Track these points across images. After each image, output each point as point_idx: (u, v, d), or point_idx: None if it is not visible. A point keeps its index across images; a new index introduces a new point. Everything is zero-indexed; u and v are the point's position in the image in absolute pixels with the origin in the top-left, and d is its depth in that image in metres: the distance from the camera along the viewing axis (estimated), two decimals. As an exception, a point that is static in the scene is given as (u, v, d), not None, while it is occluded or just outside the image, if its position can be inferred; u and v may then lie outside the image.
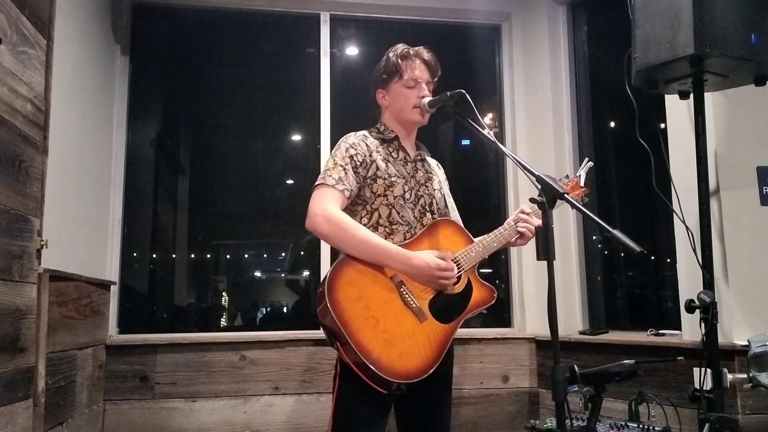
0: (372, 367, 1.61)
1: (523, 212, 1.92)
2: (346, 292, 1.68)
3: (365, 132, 1.97)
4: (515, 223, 1.91)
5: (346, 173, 1.82)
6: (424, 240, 1.83)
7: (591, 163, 2.00)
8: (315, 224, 1.75)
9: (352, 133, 1.94)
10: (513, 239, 1.92)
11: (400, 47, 1.97)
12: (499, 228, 1.91)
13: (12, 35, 1.77)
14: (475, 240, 1.89)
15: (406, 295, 1.73)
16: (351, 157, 1.84)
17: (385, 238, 1.82)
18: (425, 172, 1.98)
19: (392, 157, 1.93)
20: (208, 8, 3.26)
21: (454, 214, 1.98)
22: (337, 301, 1.65)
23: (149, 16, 3.22)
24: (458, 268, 1.82)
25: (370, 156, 1.87)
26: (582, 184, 1.98)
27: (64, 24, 2.24)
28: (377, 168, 1.86)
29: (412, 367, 1.66)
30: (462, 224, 1.99)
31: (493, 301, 1.85)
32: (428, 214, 1.91)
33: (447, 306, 1.77)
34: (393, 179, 1.87)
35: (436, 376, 1.85)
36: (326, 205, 1.76)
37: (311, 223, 1.76)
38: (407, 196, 1.88)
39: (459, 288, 1.81)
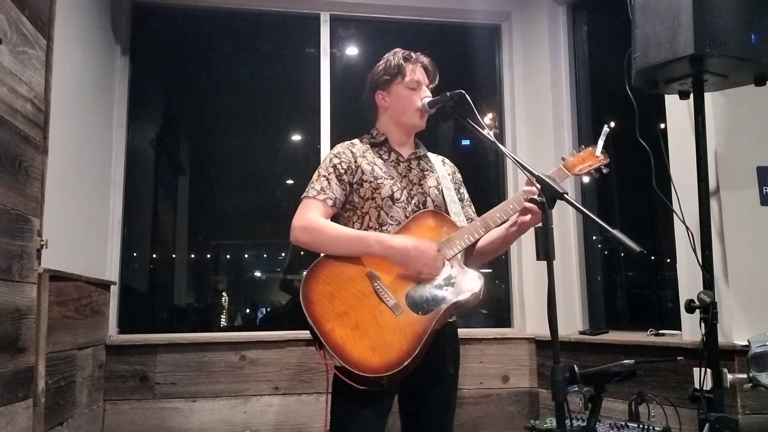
0: (343, 363, 1.62)
1: (528, 186, 1.81)
2: (320, 291, 1.72)
3: (354, 140, 2.00)
4: (523, 198, 1.79)
5: (329, 182, 1.86)
6: (404, 233, 1.83)
7: (608, 129, 1.86)
8: (295, 236, 1.83)
9: (340, 144, 1.98)
10: (524, 219, 1.81)
11: (400, 50, 1.99)
12: (488, 212, 1.84)
13: (12, 35, 1.77)
14: (463, 227, 1.85)
15: (380, 290, 1.73)
16: (334, 166, 1.89)
17: None
18: (420, 170, 1.99)
19: (381, 159, 1.95)
20: (208, 8, 3.25)
21: (454, 207, 1.94)
22: (310, 300, 1.69)
23: (149, 16, 3.22)
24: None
25: (355, 162, 1.91)
26: (598, 153, 1.87)
27: (64, 24, 2.23)
28: (362, 173, 1.89)
29: (384, 361, 1.64)
30: (463, 217, 1.95)
31: (478, 290, 1.74)
32: None
33: (425, 297, 1.74)
34: (379, 181, 1.88)
35: (439, 375, 1.86)
36: (304, 216, 1.83)
37: (293, 237, 1.83)
38: (397, 196, 1.89)
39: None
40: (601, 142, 1.89)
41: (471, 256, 1.91)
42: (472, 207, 2.07)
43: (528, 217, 1.81)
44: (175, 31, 3.34)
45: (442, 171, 2.03)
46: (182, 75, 3.40)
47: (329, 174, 1.88)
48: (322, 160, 1.95)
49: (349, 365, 1.61)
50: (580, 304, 3.08)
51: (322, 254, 1.82)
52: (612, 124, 1.90)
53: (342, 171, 1.88)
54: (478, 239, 1.85)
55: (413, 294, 1.75)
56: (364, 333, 1.67)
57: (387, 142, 1.99)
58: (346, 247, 1.78)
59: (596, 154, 1.88)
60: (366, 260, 1.78)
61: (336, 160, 1.90)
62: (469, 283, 1.77)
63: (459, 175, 2.11)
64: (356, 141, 2.00)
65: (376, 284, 1.74)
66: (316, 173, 1.91)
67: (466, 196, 2.08)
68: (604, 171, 1.91)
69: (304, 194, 1.88)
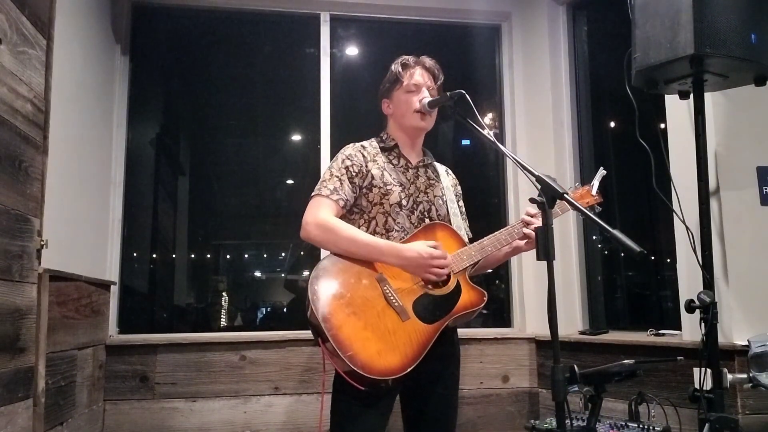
0: (348, 363, 1.61)
1: (528, 214, 1.89)
2: (329, 288, 1.72)
3: (364, 142, 2.01)
4: (521, 227, 1.88)
5: (341, 183, 1.86)
6: (414, 242, 1.84)
7: (604, 172, 1.97)
8: (307, 232, 1.82)
9: (351, 144, 1.98)
10: (520, 244, 1.91)
11: (402, 57, 2.01)
12: (497, 232, 1.90)
13: (12, 35, 1.77)
14: (469, 245, 1.90)
15: (389, 294, 1.74)
16: (347, 168, 1.89)
17: None
18: (427, 178, 2.00)
19: (391, 164, 1.96)
20: (208, 8, 3.26)
21: (456, 220, 1.98)
22: (319, 297, 1.69)
23: (149, 16, 3.22)
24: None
25: (366, 166, 1.91)
26: (594, 192, 1.96)
27: (64, 24, 2.24)
28: (372, 177, 1.90)
29: (389, 365, 1.65)
30: (464, 230, 2.00)
31: (482, 305, 1.83)
32: (426, 220, 1.92)
33: (432, 306, 1.77)
34: (388, 187, 1.89)
35: (441, 375, 1.87)
36: (318, 213, 1.82)
37: (304, 232, 1.82)
38: (404, 203, 1.90)
39: (447, 290, 1.81)
40: (596, 183, 1.97)
41: (471, 269, 1.92)
42: (467, 222, 2.08)
43: (524, 242, 1.91)
44: (175, 31, 3.34)
45: (446, 182, 2.05)
46: (182, 75, 3.40)
47: (342, 175, 1.88)
48: (332, 160, 1.95)
49: (355, 366, 1.61)
50: (580, 304, 3.08)
51: (329, 252, 1.82)
52: (604, 171, 1.98)
53: (354, 173, 1.89)
54: (484, 257, 1.89)
55: (420, 302, 1.76)
56: (370, 335, 1.67)
57: (397, 147, 2.00)
58: (359, 251, 1.78)
59: (592, 193, 1.97)
60: (376, 263, 1.79)
61: (348, 162, 1.90)
62: (474, 297, 1.83)
63: (459, 188, 2.13)
64: (366, 143, 2.00)
65: (385, 288, 1.75)
66: (327, 172, 1.91)
67: (464, 209, 2.10)
68: (597, 209, 1.98)
69: (316, 192, 1.87)
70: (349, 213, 1.91)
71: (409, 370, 1.66)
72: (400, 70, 1.97)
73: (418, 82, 1.95)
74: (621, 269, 3.30)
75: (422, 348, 1.71)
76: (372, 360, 1.64)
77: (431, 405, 1.87)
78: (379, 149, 1.98)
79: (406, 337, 1.70)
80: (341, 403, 1.77)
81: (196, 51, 3.38)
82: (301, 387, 2.86)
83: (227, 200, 3.42)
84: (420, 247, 1.78)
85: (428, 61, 2.01)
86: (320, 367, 2.85)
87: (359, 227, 1.88)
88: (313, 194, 1.88)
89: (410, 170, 1.98)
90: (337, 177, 1.87)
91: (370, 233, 1.87)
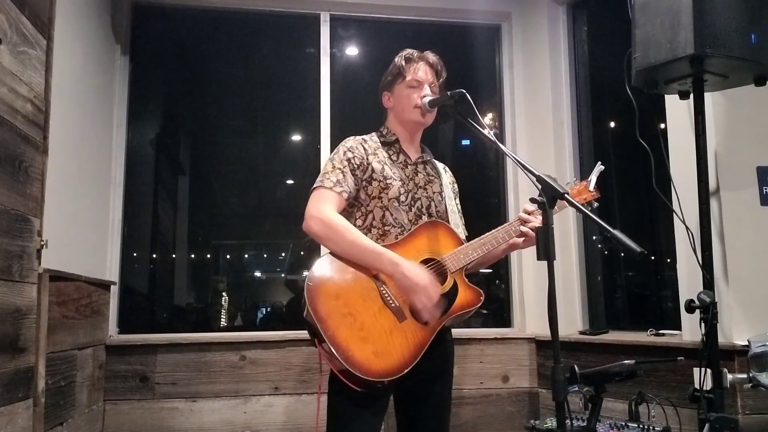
0: (344, 364, 1.61)
1: (525, 211, 1.89)
2: (326, 288, 1.71)
3: (365, 136, 2.00)
4: (518, 225, 1.87)
5: (344, 175, 1.85)
6: (411, 240, 1.83)
7: (602, 167, 1.96)
8: (310, 226, 1.78)
9: (351, 137, 1.97)
10: (517, 241, 1.89)
11: (406, 51, 1.99)
12: (494, 230, 1.89)
13: (12, 35, 1.77)
14: (466, 243, 1.89)
15: (386, 295, 1.73)
16: (348, 160, 1.87)
17: (377, 240, 1.83)
18: (426, 174, 1.99)
19: (391, 159, 1.95)
20: (208, 8, 3.26)
21: (454, 218, 1.97)
22: (316, 297, 1.68)
23: (149, 16, 3.22)
24: (444, 268, 1.81)
25: (367, 159, 1.90)
26: (591, 188, 1.95)
27: (64, 24, 2.24)
28: (373, 170, 1.89)
29: (386, 366, 1.65)
30: (461, 228, 1.99)
31: (479, 305, 1.82)
32: (424, 217, 1.91)
33: None
34: (388, 181, 1.88)
35: (435, 375, 1.86)
36: (322, 208, 1.79)
37: (306, 225, 1.79)
38: (402, 198, 1.89)
39: (444, 289, 1.80)
40: (594, 179, 1.96)
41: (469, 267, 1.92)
42: (463, 220, 2.08)
43: (521, 240, 1.89)
44: (175, 31, 3.34)
45: (445, 179, 2.04)
46: (182, 75, 3.40)
47: (344, 167, 1.86)
48: (333, 152, 1.92)
49: (352, 367, 1.61)
50: (580, 304, 3.08)
51: (327, 251, 1.81)
52: (602, 167, 1.97)
53: (355, 165, 1.87)
54: (481, 256, 1.88)
55: None
56: (367, 336, 1.67)
57: (398, 142, 1.99)
58: (358, 256, 1.75)
59: (590, 189, 1.97)
60: None
61: (350, 154, 1.88)
62: (471, 297, 1.82)
63: (456, 186, 2.12)
64: (367, 137, 1.98)
65: (382, 288, 1.74)
66: (329, 164, 1.88)
67: (460, 207, 2.09)
68: (595, 205, 1.97)
69: (319, 184, 1.84)
70: (347, 206, 1.88)
71: (406, 371, 1.66)
72: (403, 64, 1.96)
73: (421, 78, 1.94)
74: (621, 269, 3.30)
75: (419, 349, 1.70)
76: (369, 361, 1.63)
77: (429, 405, 1.87)
78: (379, 143, 1.98)
79: (403, 338, 1.69)
80: (337, 404, 1.76)
81: (196, 51, 3.38)
82: (301, 387, 2.86)
83: (227, 200, 3.42)
84: (421, 271, 1.74)
85: (432, 57, 1.99)
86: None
87: (355, 220, 1.87)
88: (315, 185, 1.85)
89: (409, 166, 1.97)
90: (340, 169, 1.85)
91: (367, 227, 1.86)
